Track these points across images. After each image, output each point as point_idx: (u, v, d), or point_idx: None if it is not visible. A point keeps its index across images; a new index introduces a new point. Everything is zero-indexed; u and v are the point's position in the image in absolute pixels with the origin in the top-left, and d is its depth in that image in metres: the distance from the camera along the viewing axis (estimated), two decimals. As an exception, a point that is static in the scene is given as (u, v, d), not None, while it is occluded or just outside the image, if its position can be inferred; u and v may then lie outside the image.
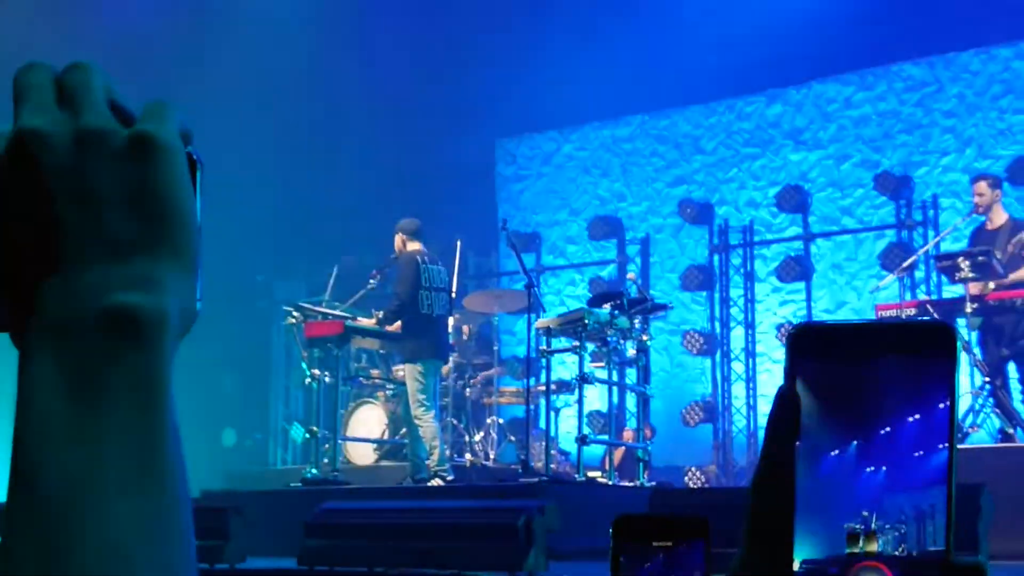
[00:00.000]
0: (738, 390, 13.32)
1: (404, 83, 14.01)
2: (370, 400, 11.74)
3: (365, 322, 9.96)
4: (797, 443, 0.80)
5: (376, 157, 13.87)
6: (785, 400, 0.80)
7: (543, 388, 10.14)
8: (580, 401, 9.13)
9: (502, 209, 15.20)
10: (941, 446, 0.78)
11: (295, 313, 10.19)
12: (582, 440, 8.81)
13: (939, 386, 0.78)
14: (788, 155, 13.79)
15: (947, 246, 10.78)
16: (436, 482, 9.17)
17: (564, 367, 11.38)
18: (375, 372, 11.72)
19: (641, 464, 9.36)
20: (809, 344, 0.81)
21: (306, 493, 9.15)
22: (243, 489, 10.67)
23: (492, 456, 11.28)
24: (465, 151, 14.80)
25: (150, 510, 0.67)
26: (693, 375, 13.69)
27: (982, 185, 9.76)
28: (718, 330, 13.53)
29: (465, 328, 11.93)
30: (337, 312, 10.43)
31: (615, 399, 11.27)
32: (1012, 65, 12.59)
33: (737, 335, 13.48)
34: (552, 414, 10.52)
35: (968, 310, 9.15)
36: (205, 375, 12.71)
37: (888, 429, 0.79)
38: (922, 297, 10.82)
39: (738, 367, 13.41)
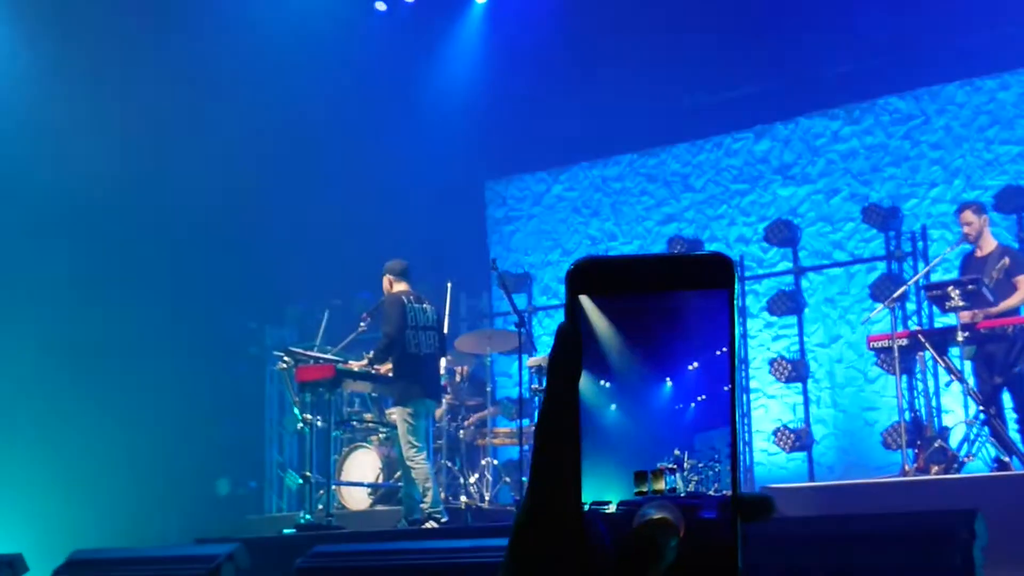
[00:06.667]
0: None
1: (393, 126, 14.05)
2: (364, 444, 11.68)
3: (356, 365, 9.93)
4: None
5: (366, 200, 13.88)
6: (565, 338, 0.78)
7: (537, 428, 10.09)
8: (573, 439, 9.05)
9: (494, 251, 15.21)
10: (727, 387, 0.77)
11: (286, 358, 10.16)
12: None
13: (722, 318, 0.77)
14: (777, 190, 13.83)
15: (938, 276, 10.79)
16: (430, 524, 9.11)
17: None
18: (368, 416, 11.67)
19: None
20: (589, 279, 0.79)
21: (299, 539, 9.08)
22: (237, 536, 10.58)
23: (487, 498, 11.21)
24: (455, 193, 14.83)
25: None
26: (688, 412, 13.62)
27: (968, 214, 9.77)
28: (712, 366, 13.46)
29: (459, 369, 11.90)
30: (328, 356, 10.40)
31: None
32: (997, 96, 12.64)
33: (732, 371, 13.40)
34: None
35: (960, 339, 9.14)
36: (199, 424, 12.66)
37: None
38: (914, 327, 10.80)
39: (732, 403, 13.33)
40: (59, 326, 12.10)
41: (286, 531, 9.64)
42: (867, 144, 13.37)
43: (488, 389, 11.75)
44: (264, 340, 13.87)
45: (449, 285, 10.93)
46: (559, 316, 12.73)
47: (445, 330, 10.07)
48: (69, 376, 12.03)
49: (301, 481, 9.97)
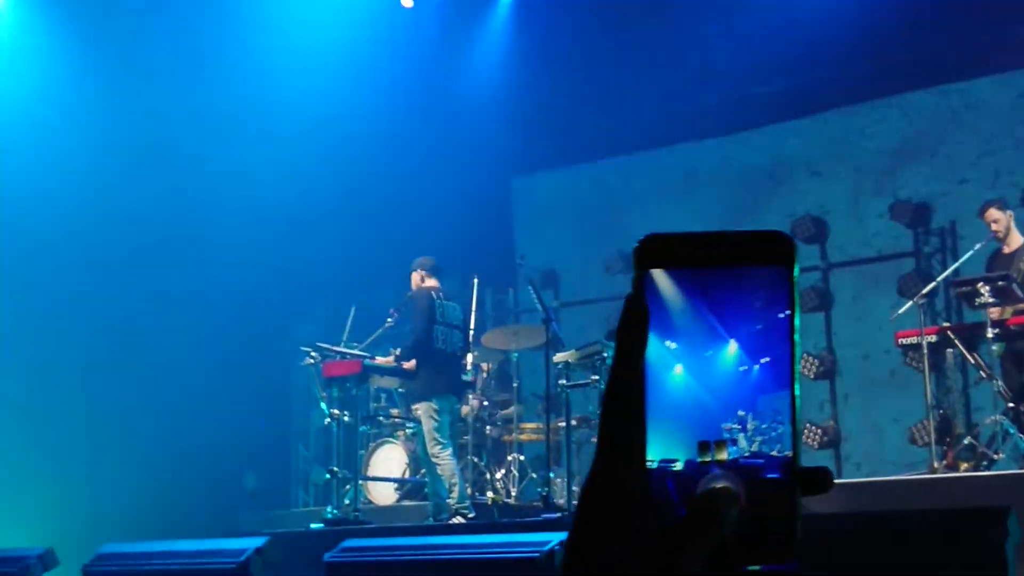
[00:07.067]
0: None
1: (418, 122, 14.05)
2: (390, 440, 11.70)
3: (383, 361, 9.95)
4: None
5: (392, 196, 13.90)
6: (633, 309, 0.81)
7: (563, 424, 10.10)
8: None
9: (519, 247, 15.19)
10: (789, 351, 0.80)
11: (313, 354, 10.19)
12: (603, 474, 8.75)
13: (782, 291, 0.80)
14: (804, 186, 13.77)
15: (967, 272, 10.72)
16: (457, 520, 9.12)
17: (588, 402, 11.36)
18: (394, 411, 11.70)
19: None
20: (655, 254, 0.82)
21: (327, 533, 9.12)
22: (265, 530, 10.63)
23: (514, 493, 11.22)
24: (482, 189, 14.82)
25: None
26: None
27: (993, 211, 9.74)
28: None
29: (484, 366, 11.90)
30: (355, 351, 10.42)
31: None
32: (1028, 91, 12.56)
33: (757, 367, 13.38)
34: (573, 449, 10.46)
35: (989, 335, 9.09)
36: (226, 419, 12.70)
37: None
38: (942, 324, 10.74)
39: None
40: (88, 321, 12.17)
41: (313, 526, 9.68)
42: (895, 140, 13.30)
43: (514, 385, 11.76)
44: (291, 336, 13.90)
45: (476, 281, 10.95)
46: (585, 312, 12.76)
47: (472, 326, 10.09)
48: (97, 371, 12.09)
49: (328, 476, 10.01)
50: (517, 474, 11.42)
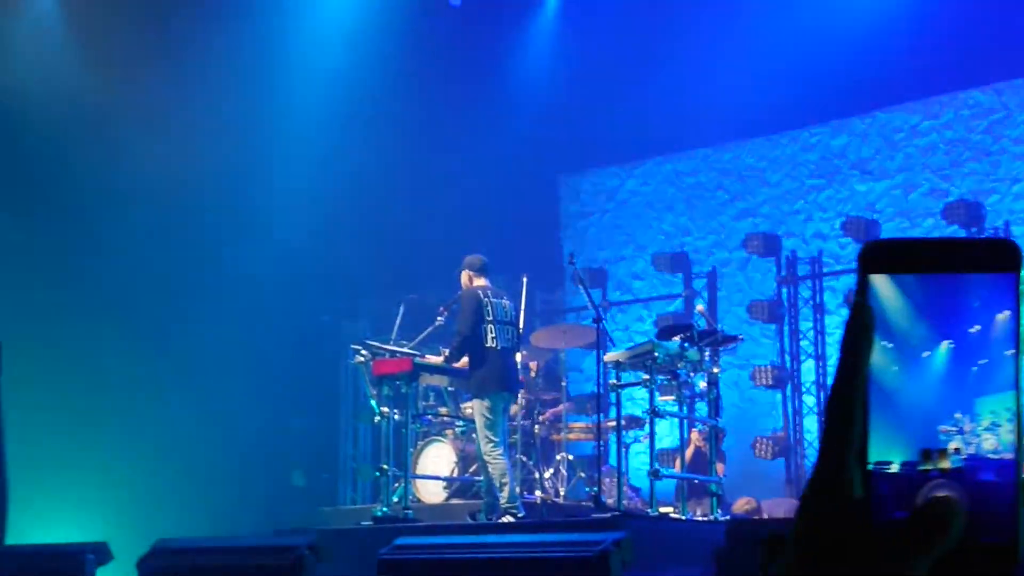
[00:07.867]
0: (810, 423, 13.14)
1: (467, 121, 14.05)
2: (439, 438, 11.69)
3: (433, 359, 9.95)
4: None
5: (440, 195, 13.91)
6: (860, 312, 0.81)
7: (612, 423, 10.06)
8: (651, 435, 9.03)
9: (567, 246, 15.18)
10: (1010, 352, 0.79)
11: (363, 351, 10.19)
12: (654, 475, 8.72)
13: (1007, 297, 0.80)
14: (855, 186, 13.67)
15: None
16: (507, 519, 9.11)
17: (632, 403, 11.32)
18: (443, 410, 11.69)
19: (714, 499, 9.25)
20: (880, 259, 0.82)
21: (378, 531, 9.13)
22: (314, 528, 10.67)
23: (562, 493, 11.19)
24: (529, 188, 14.81)
25: None
26: (764, 409, 13.53)
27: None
28: (788, 363, 13.38)
29: (532, 364, 11.87)
30: (405, 349, 10.42)
31: (686, 433, 11.16)
32: (1082, 89, 12.41)
33: (808, 368, 13.32)
34: (623, 449, 10.42)
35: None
36: (273, 416, 12.76)
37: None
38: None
39: (809, 400, 13.24)
40: (143, 322, 12.26)
41: (364, 523, 9.69)
42: (947, 138, 13.18)
43: (563, 384, 11.73)
44: (339, 334, 13.94)
45: (525, 280, 10.94)
46: (633, 311, 12.67)
47: (521, 326, 10.07)
48: (151, 370, 12.19)
49: (378, 474, 10.01)
50: (566, 473, 11.39)
